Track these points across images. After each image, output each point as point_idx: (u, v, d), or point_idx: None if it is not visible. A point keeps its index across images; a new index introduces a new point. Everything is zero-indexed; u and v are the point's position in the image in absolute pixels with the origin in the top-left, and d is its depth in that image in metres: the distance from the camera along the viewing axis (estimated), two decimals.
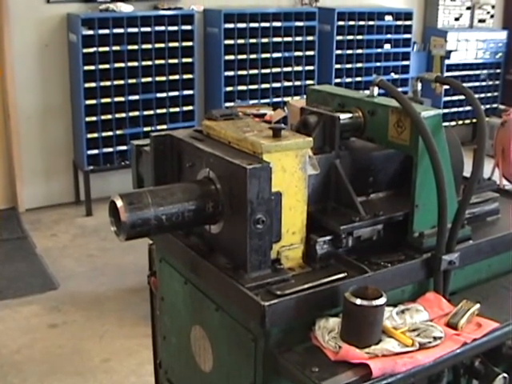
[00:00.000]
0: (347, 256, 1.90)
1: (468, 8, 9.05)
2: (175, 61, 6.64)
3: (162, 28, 6.51)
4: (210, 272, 1.83)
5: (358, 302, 1.64)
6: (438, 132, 1.92)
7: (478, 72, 8.96)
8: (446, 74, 8.49)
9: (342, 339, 1.67)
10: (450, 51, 8.61)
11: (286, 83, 7.35)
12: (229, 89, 7.01)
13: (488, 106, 8.92)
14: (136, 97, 6.54)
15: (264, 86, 7.21)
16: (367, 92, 2.13)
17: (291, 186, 1.80)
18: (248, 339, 1.74)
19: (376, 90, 2.09)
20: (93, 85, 6.28)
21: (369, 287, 1.70)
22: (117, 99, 6.43)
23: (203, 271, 1.88)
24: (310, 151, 1.86)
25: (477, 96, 2.05)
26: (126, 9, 6.44)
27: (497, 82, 9.19)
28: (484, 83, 9.04)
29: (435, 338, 1.71)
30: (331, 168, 1.99)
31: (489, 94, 9.08)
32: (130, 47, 6.37)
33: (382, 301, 1.65)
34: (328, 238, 1.88)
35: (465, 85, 2.08)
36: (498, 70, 9.18)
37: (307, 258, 1.87)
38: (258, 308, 1.63)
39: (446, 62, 8.63)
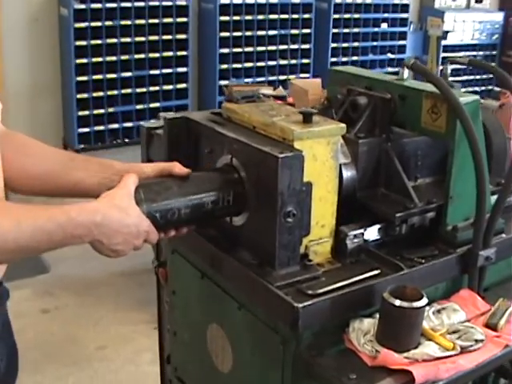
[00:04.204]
0: (377, 250, 1.77)
1: None
2: (169, 37, 6.44)
3: (156, 3, 6.31)
4: (233, 268, 1.69)
5: (398, 303, 1.51)
6: (476, 119, 1.79)
7: (474, 53, 8.82)
8: (443, 55, 8.37)
9: (379, 342, 1.55)
10: (447, 32, 8.47)
11: (282, 61, 7.17)
12: (223, 66, 6.83)
13: (483, 88, 8.80)
14: (129, 73, 6.34)
15: (259, 64, 7.03)
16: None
17: (322, 176, 1.66)
18: (276, 342, 1.61)
19: (406, 73, 1.95)
20: (84, 61, 6.07)
21: (407, 286, 1.57)
22: (109, 76, 6.23)
23: (225, 267, 1.74)
24: (342, 139, 1.72)
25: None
26: None
27: (493, 64, 9.04)
28: None
29: (477, 341, 1.59)
30: (382, 152, 1.86)
31: (484, 76, 8.95)
32: (122, 22, 6.15)
33: (423, 302, 1.52)
34: (360, 231, 1.74)
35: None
36: (494, 52, 9.09)
37: (336, 252, 1.74)
38: (289, 310, 1.50)
39: (443, 42, 8.49)
